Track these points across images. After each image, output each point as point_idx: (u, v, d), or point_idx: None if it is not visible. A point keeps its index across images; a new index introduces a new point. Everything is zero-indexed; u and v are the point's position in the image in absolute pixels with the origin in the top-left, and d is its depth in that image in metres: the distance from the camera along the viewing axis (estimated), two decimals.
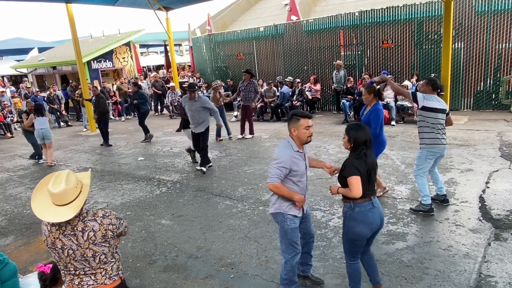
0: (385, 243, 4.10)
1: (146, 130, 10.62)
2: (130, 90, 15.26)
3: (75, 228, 2.16)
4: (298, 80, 12.25)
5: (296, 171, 3.06)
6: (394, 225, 4.46)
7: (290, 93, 11.99)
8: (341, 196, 3.08)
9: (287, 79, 12.68)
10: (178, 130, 8.56)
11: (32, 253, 4.69)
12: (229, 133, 10.04)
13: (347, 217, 3.00)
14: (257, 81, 11.12)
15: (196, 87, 7.40)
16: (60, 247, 2.18)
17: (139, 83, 14.42)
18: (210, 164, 7.42)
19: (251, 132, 9.94)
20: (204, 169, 7.20)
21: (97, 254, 2.20)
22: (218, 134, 9.90)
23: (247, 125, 9.84)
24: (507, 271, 3.41)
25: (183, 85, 14.86)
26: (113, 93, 15.66)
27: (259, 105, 12.15)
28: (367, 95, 4.95)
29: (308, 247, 3.45)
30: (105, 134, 10.45)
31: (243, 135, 9.84)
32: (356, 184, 2.86)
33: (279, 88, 12.34)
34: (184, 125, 7.94)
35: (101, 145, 10.55)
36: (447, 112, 4.80)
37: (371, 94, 4.92)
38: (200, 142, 7.26)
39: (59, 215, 2.10)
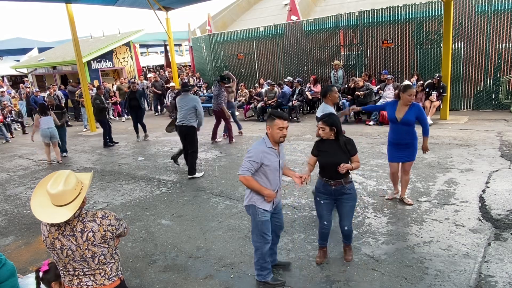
0: (385, 243, 4.10)
1: (145, 128, 10.94)
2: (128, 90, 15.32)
3: (74, 229, 2.16)
4: (296, 81, 12.15)
5: (267, 165, 3.25)
6: (394, 225, 4.46)
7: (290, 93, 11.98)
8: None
9: (286, 80, 12.67)
10: (169, 131, 8.35)
11: (32, 253, 4.69)
12: (239, 127, 10.21)
13: (355, 189, 3.61)
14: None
15: (190, 87, 7.46)
16: (59, 247, 2.18)
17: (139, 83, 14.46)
18: (196, 175, 6.95)
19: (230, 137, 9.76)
20: (198, 175, 6.97)
21: (96, 255, 2.20)
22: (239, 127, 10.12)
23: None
24: (507, 271, 3.41)
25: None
26: (113, 93, 15.66)
27: (259, 105, 12.14)
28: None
29: (275, 239, 3.67)
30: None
31: (215, 140, 9.72)
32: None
33: (281, 88, 12.32)
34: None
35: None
36: None
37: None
38: (188, 146, 7.02)
39: (56, 216, 2.09)
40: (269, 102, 12.00)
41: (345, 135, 3.72)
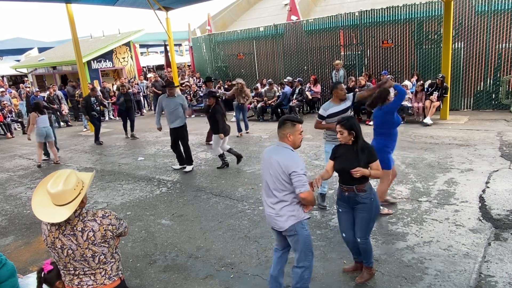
0: (385, 243, 4.10)
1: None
2: (130, 90, 15.36)
3: (75, 228, 2.16)
4: (296, 80, 12.14)
5: None
6: (394, 225, 4.46)
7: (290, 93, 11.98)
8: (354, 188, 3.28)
9: (285, 80, 12.67)
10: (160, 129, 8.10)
11: (32, 253, 4.69)
12: (246, 127, 10.43)
13: (374, 199, 3.31)
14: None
15: (174, 84, 7.76)
16: (59, 246, 2.18)
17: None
18: (191, 167, 7.47)
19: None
20: (190, 168, 7.41)
21: (96, 254, 2.20)
22: (239, 129, 10.23)
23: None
24: (507, 271, 3.41)
25: (182, 86, 14.88)
26: (113, 93, 15.66)
27: (259, 105, 12.14)
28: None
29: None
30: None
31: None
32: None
33: (282, 88, 12.32)
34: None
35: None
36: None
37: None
38: (181, 144, 7.48)
39: (56, 216, 2.10)
40: (269, 102, 12.01)
41: None
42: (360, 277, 3.47)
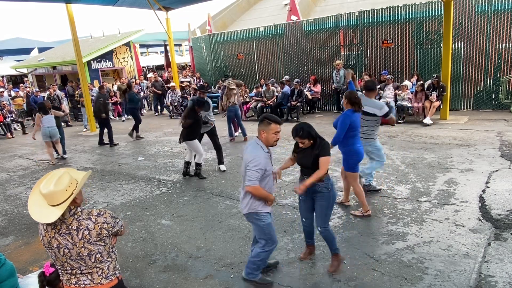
0: (385, 243, 4.10)
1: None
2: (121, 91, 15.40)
3: (70, 227, 2.17)
4: (295, 82, 12.09)
5: (268, 171, 3.23)
6: (394, 225, 4.46)
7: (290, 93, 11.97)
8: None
9: (283, 79, 12.66)
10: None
11: (32, 253, 4.69)
12: (243, 132, 9.73)
13: (332, 188, 3.54)
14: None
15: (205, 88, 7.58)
16: (56, 246, 2.19)
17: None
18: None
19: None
20: (223, 167, 7.31)
21: (92, 253, 2.20)
22: (231, 134, 9.79)
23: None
24: (507, 271, 3.41)
25: (182, 85, 14.88)
26: (113, 93, 15.67)
27: (259, 105, 12.13)
28: (344, 99, 4.71)
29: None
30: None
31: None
32: (328, 163, 3.46)
33: (281, 88, 12.31)
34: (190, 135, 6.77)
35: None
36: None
37: (345, 100, 4.65)
38: (215, 142, 7.36)
39: (50, 216, 2.11)
40: (268, 102, 12.00)
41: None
42: (330, 266, 3.68)
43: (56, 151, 9.53)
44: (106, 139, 10.60)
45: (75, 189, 2.19)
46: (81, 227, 2.17)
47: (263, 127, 3.24)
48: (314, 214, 3.69)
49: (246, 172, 3.17)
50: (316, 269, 3.75)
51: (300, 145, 3.55)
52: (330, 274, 3.62)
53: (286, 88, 11.94)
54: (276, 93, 12.06)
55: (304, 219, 3.78)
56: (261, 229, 3.36)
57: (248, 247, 4.26)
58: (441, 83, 9.45)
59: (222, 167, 7.30)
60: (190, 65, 21.69)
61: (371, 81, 5.67)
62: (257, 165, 3.12)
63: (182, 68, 19.62)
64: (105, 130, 10.57)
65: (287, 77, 12.71)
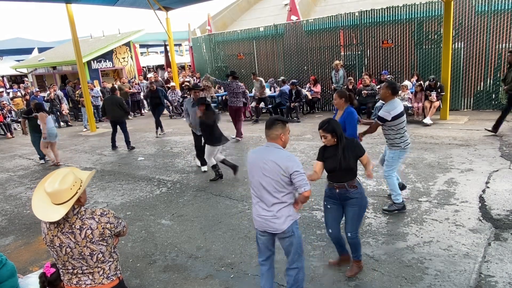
0: (385, 243, 4.10)
1: (161, 125, 11.31)
2: (130, 90, 15.39)
3: (73, 226, 2.17)
4: (290, 83, 11.92)
5: None
6: (394, 225, 4.46)
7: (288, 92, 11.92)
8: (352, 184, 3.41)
9: (279, 79, 12.66)
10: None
11: (32, 253, 4.69)
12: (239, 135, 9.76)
13: (362, 196, 3.44)
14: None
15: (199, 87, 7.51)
16: (58, 245, 2.19)
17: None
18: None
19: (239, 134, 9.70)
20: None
21: (94, 253, 2.20)
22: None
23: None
24: (507, 271, 3.41)
25: (183, 85, 14.88)
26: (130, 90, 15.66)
27: (252, 104, 12.11)
28: (338, 100, 4.66)
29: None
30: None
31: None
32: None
33: (280, 87, 12.29)
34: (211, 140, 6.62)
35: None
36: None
37: (342, 99, 4.62)
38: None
39: (51, 214, 2.11)
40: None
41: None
42: (350, 270, 3.60)
43: (45, 155, 9.12)
44: (117, 142, 10.23)
45: (79, 188, 2.19)
46: (84, 227, 2.17)
47: (280, 130, 2.97)
48: (342, 221, 3.53)
49: (296, 178, 2.84)
50: (316, 268, 3.74)
51: (323, 140, 3.42)
52: (330, 274, 3.62)
53: (285, 87, 11.92)
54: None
55: (330, 230, 3.54)
56: (298, 239, 3.02)
57: (248, 247, 4.26)
58: (439, 83, 9.44)
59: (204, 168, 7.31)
60: (190, 65, 21.71)
61: (394, 83, 5.02)
62: (301, 167, 2.89)
63: (181, 68, 19.61)
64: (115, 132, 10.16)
65: (282, 77, 12.72)
